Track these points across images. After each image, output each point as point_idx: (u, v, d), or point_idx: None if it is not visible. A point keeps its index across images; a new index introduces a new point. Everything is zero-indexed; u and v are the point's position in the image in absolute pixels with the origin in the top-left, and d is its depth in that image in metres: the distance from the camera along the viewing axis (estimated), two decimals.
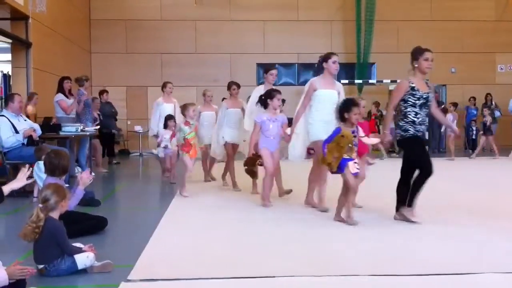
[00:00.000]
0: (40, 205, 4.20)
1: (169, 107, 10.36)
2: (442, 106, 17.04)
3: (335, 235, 5.47)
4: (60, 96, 10.66)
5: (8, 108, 8.26)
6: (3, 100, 11.55)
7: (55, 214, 4.22)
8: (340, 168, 5.87)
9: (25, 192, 8.37)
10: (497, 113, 16.48)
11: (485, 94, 17.48)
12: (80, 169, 10.68)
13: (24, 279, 3.57)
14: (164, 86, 10.79)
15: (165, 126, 9.73)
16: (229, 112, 8.88)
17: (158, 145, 9.74)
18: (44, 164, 5.37)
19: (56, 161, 5.18)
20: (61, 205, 4.24)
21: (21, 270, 3.50)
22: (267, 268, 4.25)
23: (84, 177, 5.16)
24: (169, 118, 9.76)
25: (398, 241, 5.21)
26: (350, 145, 5.87)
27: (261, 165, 7.16)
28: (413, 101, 5.92)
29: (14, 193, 8.00)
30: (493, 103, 17.12)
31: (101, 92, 13.69)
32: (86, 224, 5.62)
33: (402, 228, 5.71)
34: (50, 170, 5.22)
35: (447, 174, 10.18)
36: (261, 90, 8.04)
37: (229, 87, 9.31)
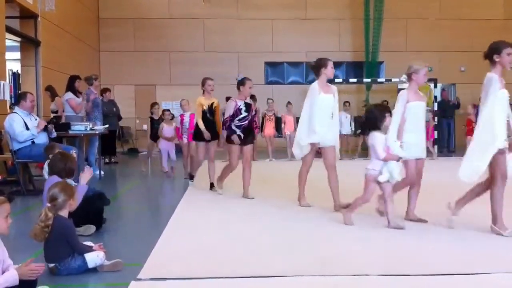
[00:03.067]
0: (48, 204, 4.23)
1: (328, 100, 6.82)
2: (457, 103, 16.97)
3: (344, 235, 5.46)
4: (69, 94, 10.68)
5: (21, 107, 8.30)
6: (12, 99, 11.59)
7: (64, 213, 4.24)
8: None
9: (35, 191, 8.44)
10: None
11: None
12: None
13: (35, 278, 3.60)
14: (323, 65, 6.87)
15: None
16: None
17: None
18: (50, 166, 5.39)
19: (62, 164, 5.24)
20: (69, 204, 4.26)
21: (32, 270, 3.52)
22: (277, 267, 4.25)
23: (86, 174, 5.22)
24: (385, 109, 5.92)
25: (407, 241, 5.19)
26: None
27: None
28: None
29: (23, 192, 8.15)
30: None
31: (104, 91, 13.65)
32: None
33: (411, 228, 5.69)
34: (56, 172, 5.25)
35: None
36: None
37: None
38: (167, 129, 10.79)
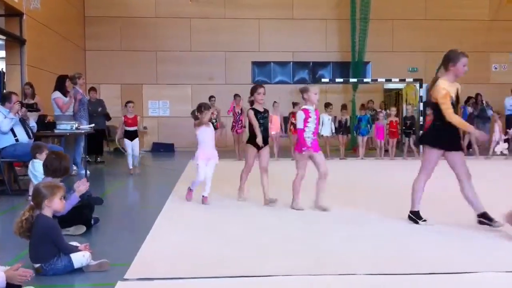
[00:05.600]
0: (31, 202, 4.23)
1: None
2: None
3: (334, 234, 5.46)
4: (57, 93, 10.60)
5: (6, 107, 8.23)
6: None
7: (47, 212, 4.19)
8: None
9: (20, 190, 8.38)
10: (489, 112, 16.52)
11: (475, 94, 17.52)
12: (76, 168, 10.66)
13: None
14: None
15: None
16: None
17: None
18: (45, 165, 5.37)
19: (57, 163, 5.24)
20: (47, 202, 4.16)
21: (20, 276, 3.48)
22: (266, 267, 4.25)
23: (81, 187, 5.12)
24: None
25: (397, 239, 5.22)
26: None
27: None
28: None
29: (9, 192, 8.08)
30: (484, 102, 17.16)
31: (89, 90, 13.59)
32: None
33: (401, 227, 5.72)
34: (52, 171, 5.23)
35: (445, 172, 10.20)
36: None
37: None
38: (205, 130, 7.35)
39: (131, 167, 10.81)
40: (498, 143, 14.24)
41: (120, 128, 11.03)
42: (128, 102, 11.13)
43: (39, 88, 11.32)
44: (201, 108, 7.34)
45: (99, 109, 13.35)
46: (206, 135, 7.34)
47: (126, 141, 10.90)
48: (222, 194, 8.01)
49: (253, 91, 7.37)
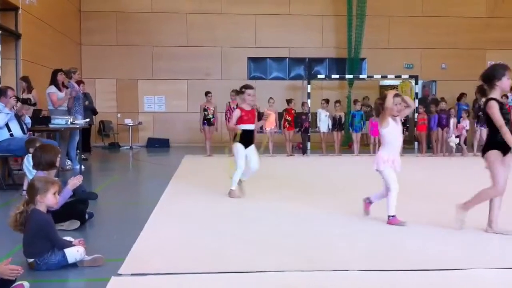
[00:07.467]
0: (26, 197, 4.25)
1: None
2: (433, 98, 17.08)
3: (328, 231, 5.47)
4: (51, 88, 10.58)
5: (1, 102, 8.21)
6: None
7: (41, 207, 4.18)
8: None
9: (14, 185, 8.37)
10: None
11: (475, 92, 17.52)
12: (70, 162, 10.66)
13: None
14: None
15: None
16: None
17: None
18: (32, 159, 5.39)
19: (39, 155, 5.23)
20: (39, 197, 4.15)
21: (12, 270, 3.48)
22: (260, 262, 4.26)
23: (74, 181, 5.09)
24: None
25: (391, 236, 5.23)
26: None
27: None
28: None
29: (3, 186, 8.06)
30: (482, 99, 17.18)
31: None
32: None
33: (395, 226, 5.73)
34: (36, 164, 5.24)
35: (440, 170, 10.30)
36: None
37: None
38: (396, 127, 5.70)
39: (234, 187, 7.25)
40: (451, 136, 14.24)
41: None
42: (246, 87, 7.67)
43: (35, 82, 11.31)
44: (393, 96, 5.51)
45: (86, 103, 13.20)
46: (397, 133, 5.65)
47: (239, 146, 7.22)
48: (217, 190, 8.02)
49: (500, 75, 5.11)
